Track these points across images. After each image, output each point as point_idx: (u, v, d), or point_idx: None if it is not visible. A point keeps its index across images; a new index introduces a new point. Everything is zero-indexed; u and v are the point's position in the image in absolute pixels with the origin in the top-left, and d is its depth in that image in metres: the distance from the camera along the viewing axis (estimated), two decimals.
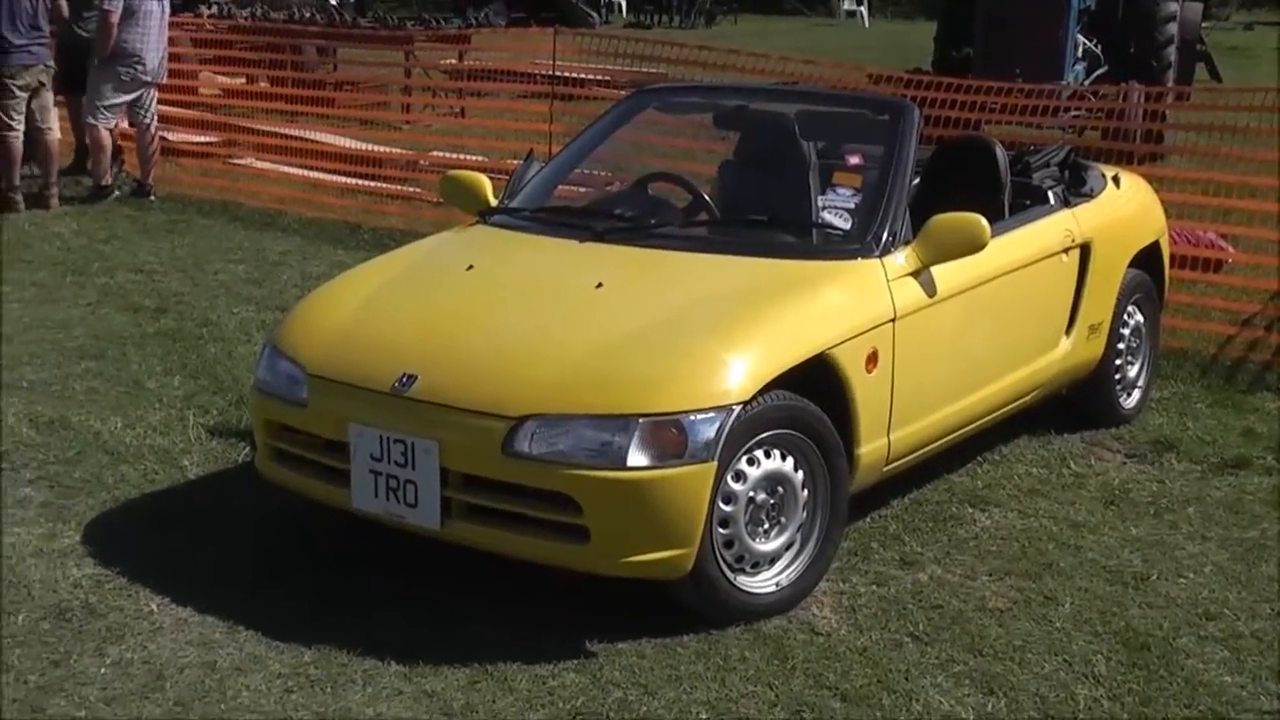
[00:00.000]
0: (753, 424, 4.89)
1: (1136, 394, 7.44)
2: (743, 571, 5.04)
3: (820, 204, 5.98)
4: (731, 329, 5.07)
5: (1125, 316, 7.20)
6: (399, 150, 13.25)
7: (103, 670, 4.72)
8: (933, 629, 5.08)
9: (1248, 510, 6.26)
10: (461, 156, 12.11)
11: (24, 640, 4.89)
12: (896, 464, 5.71)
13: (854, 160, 6.22)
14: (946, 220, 5.63)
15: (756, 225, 5.91)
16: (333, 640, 4.86)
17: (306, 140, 13.16)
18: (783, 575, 5.14)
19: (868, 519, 5.94)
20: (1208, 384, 7.97)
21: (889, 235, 5.65)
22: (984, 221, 5.61)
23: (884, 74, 11.92)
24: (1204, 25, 19.98)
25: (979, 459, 6.67)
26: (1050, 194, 6.80)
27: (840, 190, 6.02)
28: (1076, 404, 7.17)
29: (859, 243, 5.66)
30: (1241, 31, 36.89)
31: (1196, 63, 18.53)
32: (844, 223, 5.89)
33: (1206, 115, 10.30)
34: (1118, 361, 7.21)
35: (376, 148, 13.03)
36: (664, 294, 5.39)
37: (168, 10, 12.30)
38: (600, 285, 5.39)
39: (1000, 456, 6.77)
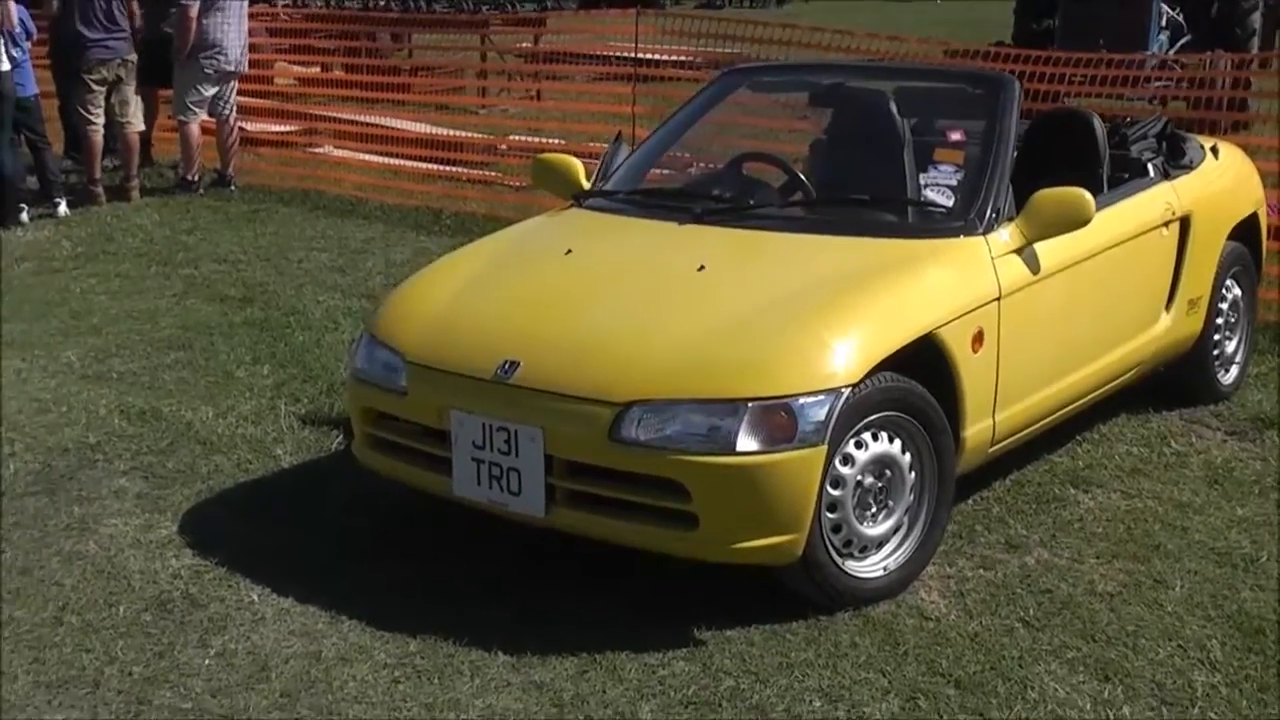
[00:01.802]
0: (861, 406, 4.82)
1: (1235, 369, 7.32)
2: (851, 556, 4.97)
3: (922, 181, 5.89)
4: (839, 310, 4.99)
5: (1224, 290, 7.08)
6: (477, 135, 13.20)
7: (207, 661, 4.70)
8: (1043, 614, 4.99)
9: None
10: (542, 140, 12.07)
11: (127, 631, 4.88)
12: (1001, 445, 5.62)
13: (955, 136, 6.12)
14: (1051, 195, 5.53)
15: (858, 204, 5.81)
16: (437, 630, 4.83)
17: (384, 127, 13.15)
18: (890, 559, 5.07)
19: (970, 501, 5.85)
20: None
21: (993, 212, 5.55)
22: (1089, 196, 5.51)
23: (964, 48, 11.77)
24: None
25: (1078, 438, 6.57)
26: (1150, 166, 6.68)
27: (942, 167, 5.93)
28: (1174, 381, 7.05)
29: (963, 220, 5.56)
30: None
31: (1276, 29, 18.22)
32: (947, 200, 5.79)
33: None
34: (1216, 337, 7.09)
35: (455, 132, 12.99)
36: (768, 276, 5.31)
37: (246, 0, 12.32)
38: (702, 268, 5.31)
39: (1100, 436, 6.66)
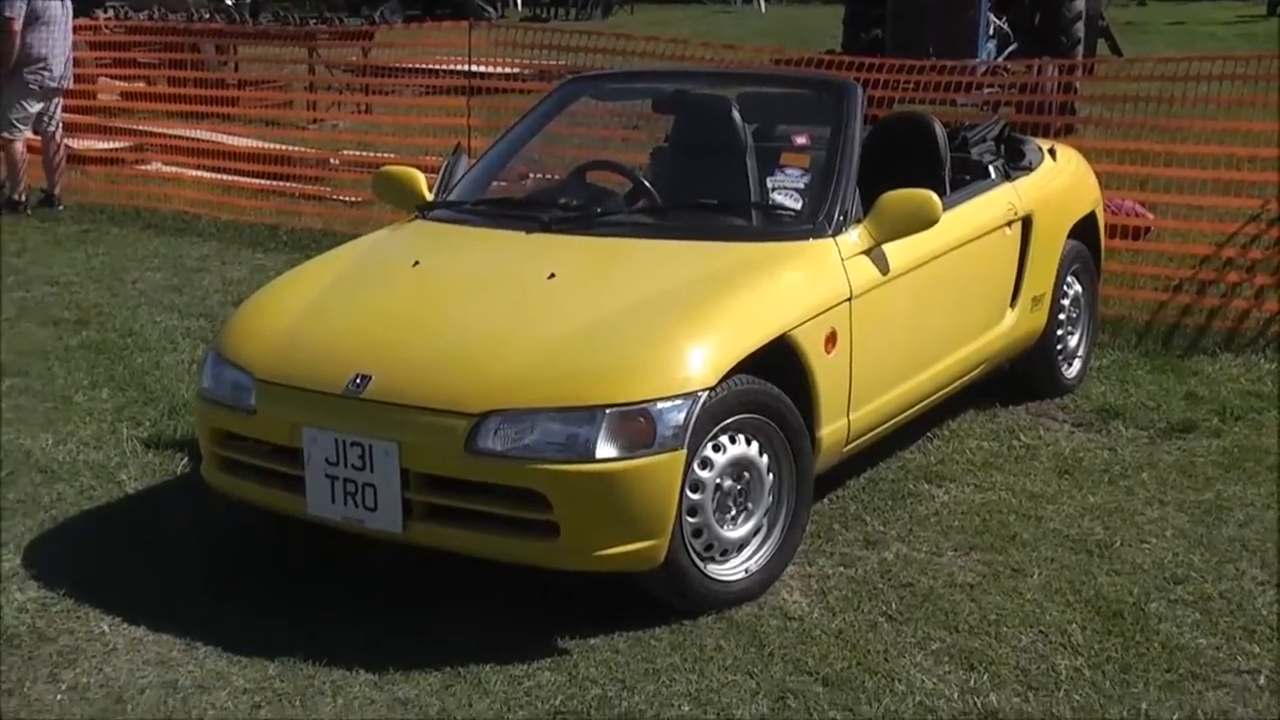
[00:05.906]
0: (719, 410, 4.81)
1: (1077, 363, 7.45)
2: (712, 560, 4.96)
3: (770, 185, 5.90)
4: (694, 315, 4.98)
5: (1065, 287, 7.21)
6: (309, 149, 13.02)
7: (59, 696, 4.54)
8: (905, 608, 5.03)
9: (1200, 473, 6.27)
10: (375, 154, 11.93)
11: None
12: (855, 444, 5.66)
13: (801, 140, 6.15)
14: (898, 197, 5.58)
15: (707, 209, 5.80)
16: (296, 652, 4.71)
17: (213, 142, 12.91)
18: (751, 561, 5.06)
19: (826, 500, 5.87)
20: (1144, 350, 8.00)
21: (841, 214, 5.59)
22: (935, 197, 5.57)
23: (797, 56, 11.86)
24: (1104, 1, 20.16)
25: (929, 435, 6.64)
26: (990, 168, 6.79)
27: (789, 171, 5.95)
28: (1020, 376, 7.17)
29: (812, 223, 5.59)
30: (1135, 7, 37.58)
31: (1098, 38, 18.64)
32: (795, 203, 5.82)
33: (1116, 86, 10.33)
34: (1059, 332, 7.21)
35: (286, 147, 12.80)
36: (619, 282, 5.29)
37: (71, 13, 12.02)
38: (553, 276, 5.27)
39: (950, 432, 6.74)
